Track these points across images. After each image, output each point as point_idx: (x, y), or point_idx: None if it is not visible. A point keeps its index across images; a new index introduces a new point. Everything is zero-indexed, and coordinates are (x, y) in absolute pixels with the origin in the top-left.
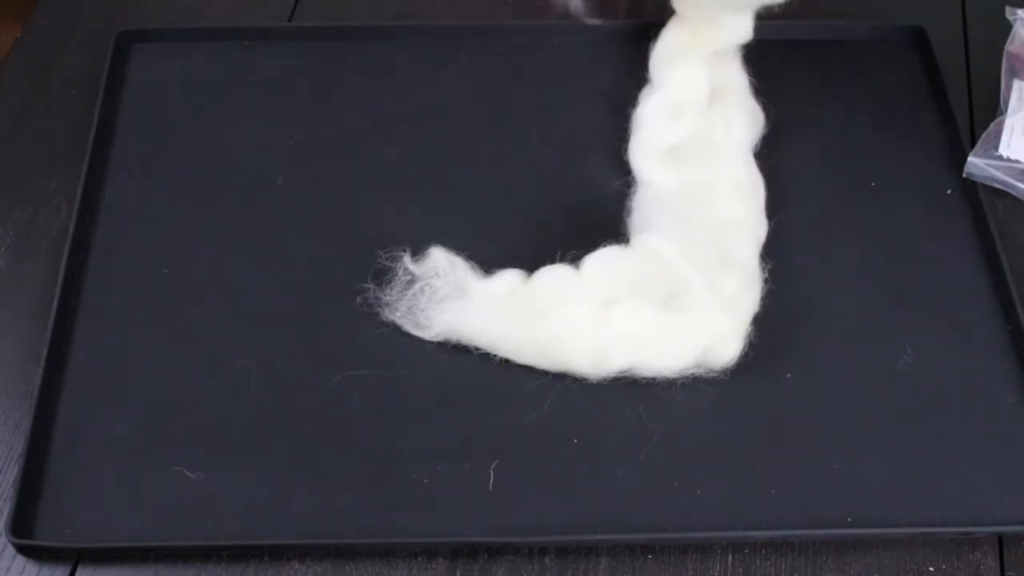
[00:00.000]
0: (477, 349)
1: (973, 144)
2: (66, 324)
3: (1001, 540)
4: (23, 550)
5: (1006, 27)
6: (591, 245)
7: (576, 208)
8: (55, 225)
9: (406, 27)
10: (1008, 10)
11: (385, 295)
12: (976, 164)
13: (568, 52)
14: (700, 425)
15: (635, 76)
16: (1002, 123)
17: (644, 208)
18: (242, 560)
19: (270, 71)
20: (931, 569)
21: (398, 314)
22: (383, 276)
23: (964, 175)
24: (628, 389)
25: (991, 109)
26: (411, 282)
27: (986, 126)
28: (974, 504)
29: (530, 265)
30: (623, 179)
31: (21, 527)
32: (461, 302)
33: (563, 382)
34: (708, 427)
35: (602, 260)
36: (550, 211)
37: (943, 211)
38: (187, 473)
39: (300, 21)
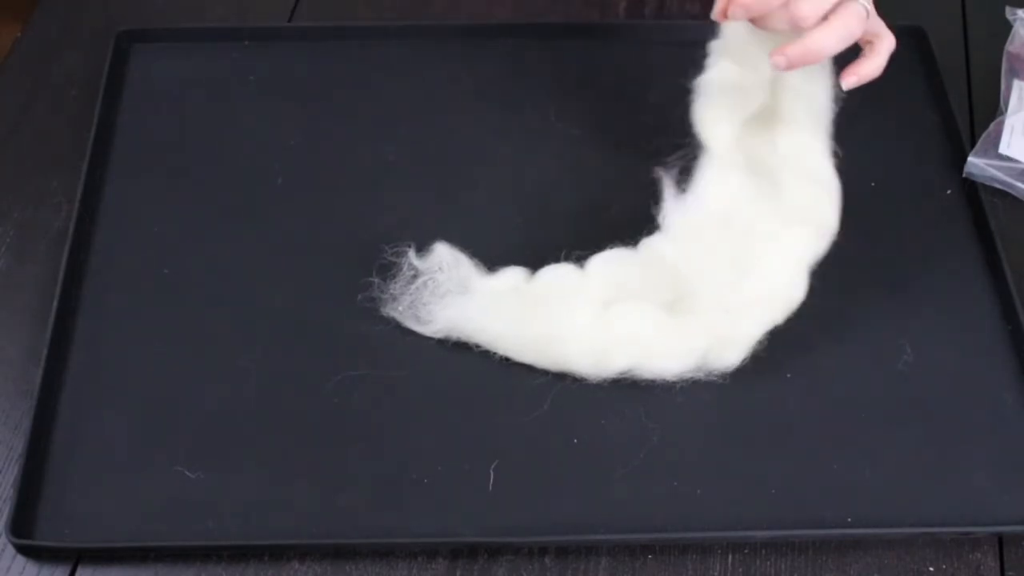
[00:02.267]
0: (478, 347)
1: (973, 144)
2: (66, 324)
3: (1001, 540)
4: (23, 550)
5: (1006, 27)
6: (596, 247)
7: (581, 209)
8: (55, 225)
9: (406, 27)
10: (1008, 10)
11: (389, 290)
12: (976, 164)
13: (568, 51)
14: (700, 425)
15: (635, 75)
16: (1002, 123)
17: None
18: (242, 560)
19: (270, 71)
20: (931, 569)
21: (400, 308)
22: (387, 272)
23: (964, 175)
24: (628, 389)
25: (991, 109)
26: (415, 277)
27: (986, 126)
28: (974, 504)
29: (535, 264)
30: (628, 179)
31: (21, 527)
32: (464, 298)
33: (563, 382)
34: (708, 427)
35: (607, 261)
36: (554, 211)
37: (943, 211)
38: (187, 473)
39: (300, 21)
